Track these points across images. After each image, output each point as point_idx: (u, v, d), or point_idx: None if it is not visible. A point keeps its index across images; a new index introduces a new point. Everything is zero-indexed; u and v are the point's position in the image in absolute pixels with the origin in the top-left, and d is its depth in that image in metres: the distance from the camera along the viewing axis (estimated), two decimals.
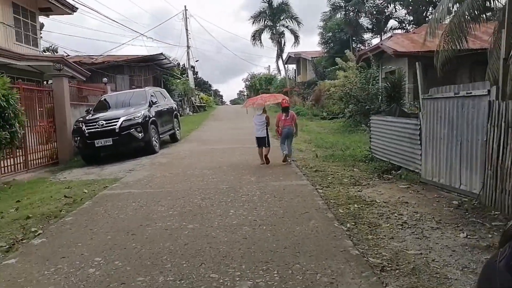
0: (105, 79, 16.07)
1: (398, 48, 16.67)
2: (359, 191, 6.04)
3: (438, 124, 5.95)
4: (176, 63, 28.89)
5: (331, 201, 5.32)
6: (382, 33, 29.10)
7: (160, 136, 11.85)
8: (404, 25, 28.51)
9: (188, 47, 32.62)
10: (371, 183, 6.63)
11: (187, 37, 32.43)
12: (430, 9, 28.38)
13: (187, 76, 31.88)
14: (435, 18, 12.98)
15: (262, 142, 8.36)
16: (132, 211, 5.18)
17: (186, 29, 32.54)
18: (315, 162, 8.47)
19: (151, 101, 11.63)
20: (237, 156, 9.64)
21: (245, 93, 61.52)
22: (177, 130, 14.08)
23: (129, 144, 10.42)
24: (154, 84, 24.40)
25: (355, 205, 5.11)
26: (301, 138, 13.02)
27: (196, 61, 35.64)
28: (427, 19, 27.75)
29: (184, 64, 36.08)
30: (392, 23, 29.77)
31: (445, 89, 5.89)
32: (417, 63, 6.81)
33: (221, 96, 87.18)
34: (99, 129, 10.00)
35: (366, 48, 26.44)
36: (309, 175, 7.03)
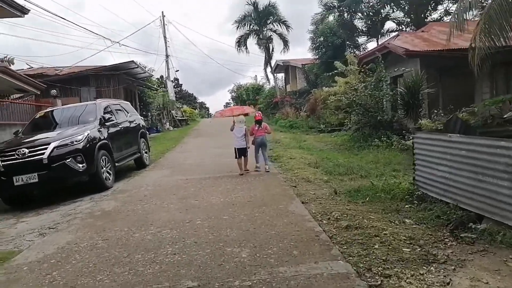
0: (53, 91, 12.96)
1: (411, 47, 14.08)
2: (446, 283, 3.16)
3: None
4: (151, 73, 25.88)
5: None
6: (379, 36, 26.77)
7: (118, 163, 8.81)
8: (402, 27, 26.18)
9: (167, 56, 29.66)
10: (451, 254, 3.76)
11: (166, 45, 29.52)
12: (429, 10, 26.26)
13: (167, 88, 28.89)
14: (461, 8, 10.35)
15: (242, 152, 8.57)
16: None
17: (164, 37, 29.65)
18: (338, 206, 5.55)
19: (103, 117, 8.60)
20: (219, 194, 6.66)
21: (232, 105, 58.72)
22: (145, 152, 11.04)
23: (65, 180, 7.34)
24: (126, 97, 21.34)
25: None
26: (303, 159, 10.14)
27: (176, 71, 32.71)
28: (426, 20, 25.56)
29: (164, 75, 33.13)
30: (388, 25, 27.52)
31: None
32: None
33: (207, 109, 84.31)
34: (19, 161, 6.90)
35: (362, 53, 24.02)
36: (340, 242, 4.08)
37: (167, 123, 25.97)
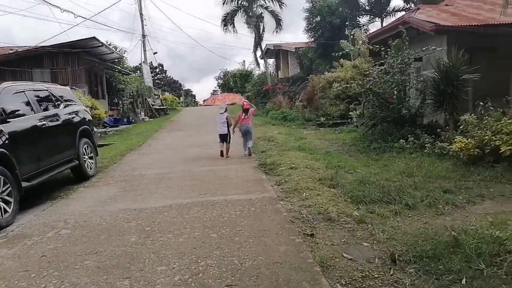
0: None
1: (440, 21, 11.13)
2: None
3: None
4: (121, 54, 22.30)
5: None
6: (383, 16, 23.74)
7: (30, 182, 5.67)
8: (410, 5, 23.13)
9: (143, 36, 26.04)
10: None
11: (142, 23, 25.84)
12: None
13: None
14: None
15: (223, 138, 9.05)
16: None
17: (141, 14, 25.95)
18: None
19: (3, 111, 5.43)
20: (176, 256, 3.62)
21: (218, 92, 55.31)
22: (89, 158, 7.89)
23: None
24: (90, 80, 17.95)
25: None
26: (309, 169, 7.16)
27: (154, 53, 29.04)
28: None
29: (141, 58, 29.47)
30: (395, 2, 24.47)
31: None
32: None
33: (194, 96, 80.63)
34: None
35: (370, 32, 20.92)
36: None
37: (142, 113, 22.64)
